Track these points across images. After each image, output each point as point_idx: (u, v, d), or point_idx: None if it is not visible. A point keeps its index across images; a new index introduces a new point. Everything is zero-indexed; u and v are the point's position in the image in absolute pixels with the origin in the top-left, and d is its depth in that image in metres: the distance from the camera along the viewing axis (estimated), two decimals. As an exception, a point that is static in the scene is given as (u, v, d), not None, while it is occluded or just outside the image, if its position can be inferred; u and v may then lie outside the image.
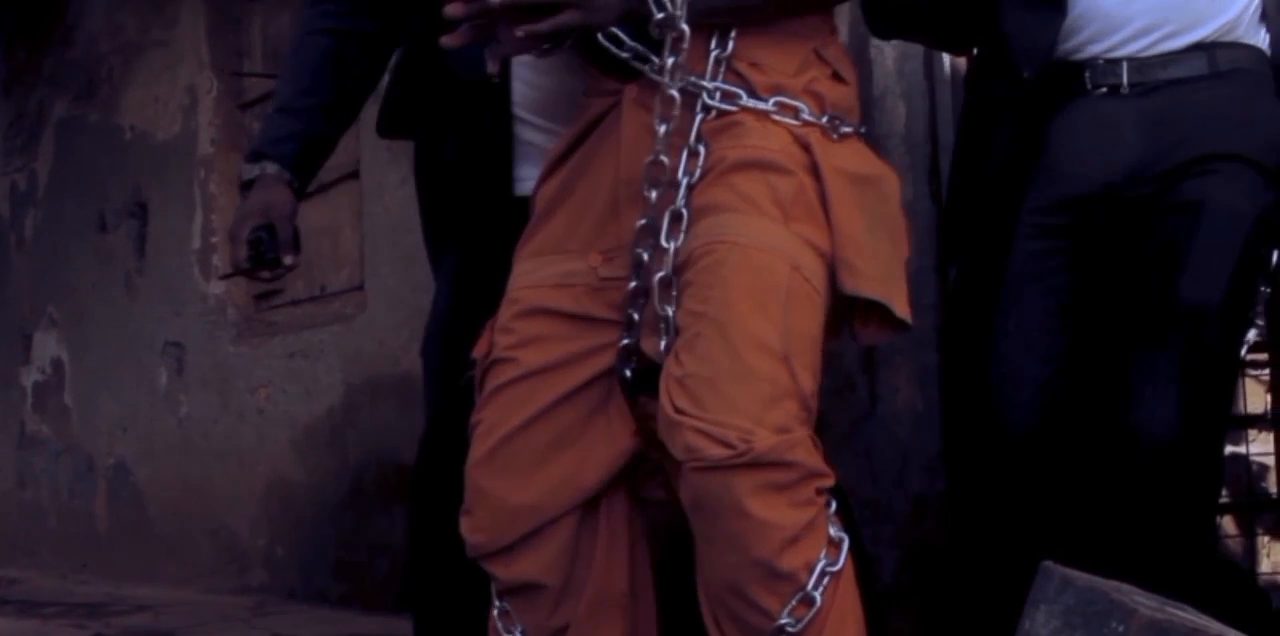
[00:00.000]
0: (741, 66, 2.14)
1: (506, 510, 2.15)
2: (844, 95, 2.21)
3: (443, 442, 2.39)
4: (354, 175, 4.93)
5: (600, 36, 2.11)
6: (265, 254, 2.47)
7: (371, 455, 4.84)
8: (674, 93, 2.08)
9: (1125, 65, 2.44)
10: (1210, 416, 2.44)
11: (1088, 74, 2.45)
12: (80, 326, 6.51)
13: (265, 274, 2.56)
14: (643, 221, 2.11)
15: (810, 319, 2.05)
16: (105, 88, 6.37)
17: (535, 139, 2.46)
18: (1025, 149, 2.51)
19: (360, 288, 5.01)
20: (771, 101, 2.13)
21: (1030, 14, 2.49)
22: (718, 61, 2.13)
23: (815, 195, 2.09)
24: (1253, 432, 4.33)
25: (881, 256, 2.11)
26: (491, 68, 2.10)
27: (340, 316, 5.07)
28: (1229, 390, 2.50)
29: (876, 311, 2.11)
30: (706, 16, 2.08)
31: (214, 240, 5.70)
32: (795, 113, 2.13)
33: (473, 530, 2.18)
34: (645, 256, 2.11)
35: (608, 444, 2.16)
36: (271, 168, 2.55)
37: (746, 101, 2.12)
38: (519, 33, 2.02)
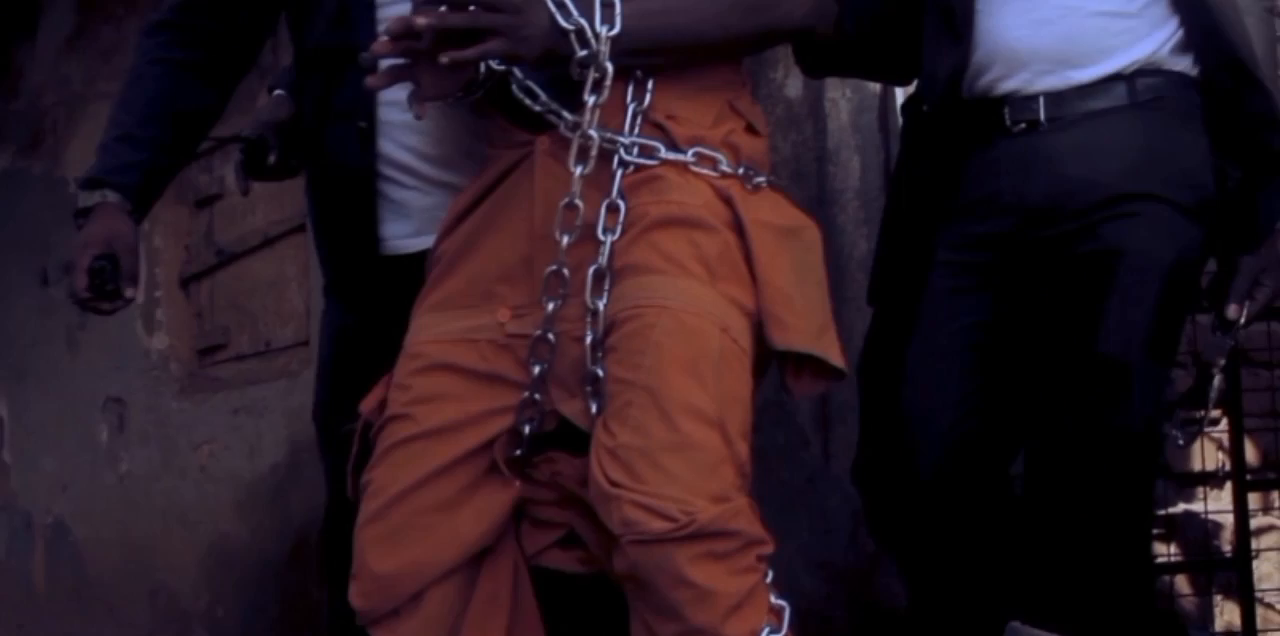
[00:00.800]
0: (659, 118, 2.12)
1: (389, 575, 2.09)
2: (758, 147, 2.20)
3: (343, 510, 2.34)
4: (300, 229, 4.87)
5: (515, 89, 2.09)
6: (106, 285, 2.42)
7: (315, 514, 4.73)
8: (593, 133, 2.06)
9: (1041, 100, 2.41)
10: (1134, 474, 2.40)
11: (1006, 110, 2.43)
12: (20, 382, 6.41)
13: (105, 306, 2.49)
14: (552, 268, 2.07)
15: (740, 381, 2.04)
16: (50, 139, 6.30)
17: (405, 197, 2.41)
18: (943, 186, 2.49)
19: (305, 343, 4.93)
20: (691, 153, 2.10)
21: (936, 49, 2.49)
22: (635, 115, 2.10)
23: (739, 251, 2.07)
24: (1202, 490, 4.31)
25: (810, 308, 2.09)
26: (419, 112, 2.07)
27: (285, 372, 5.00)
28: (1152, 444, 2.44)
29: (808, 363, 2.10)
30: (630, 57, 2.05)
31: (158, 295, 5.64)
32: (714, 164, 2.11)
33: (358, 596, 2.12)
34: (551, 306, 2.07)
35: (493, 503, 2.12)
36: (113, 196, 2.50)
37: (665, 154, 2.10)
38: (444, 60, 1.98)
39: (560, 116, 2.09)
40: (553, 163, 2.11)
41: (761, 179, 2.14)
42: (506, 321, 2.12)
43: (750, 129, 2.19)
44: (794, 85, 3.42)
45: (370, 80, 2.08)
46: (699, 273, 2.04)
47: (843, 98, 3.35)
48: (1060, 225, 2.38)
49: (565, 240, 2.06)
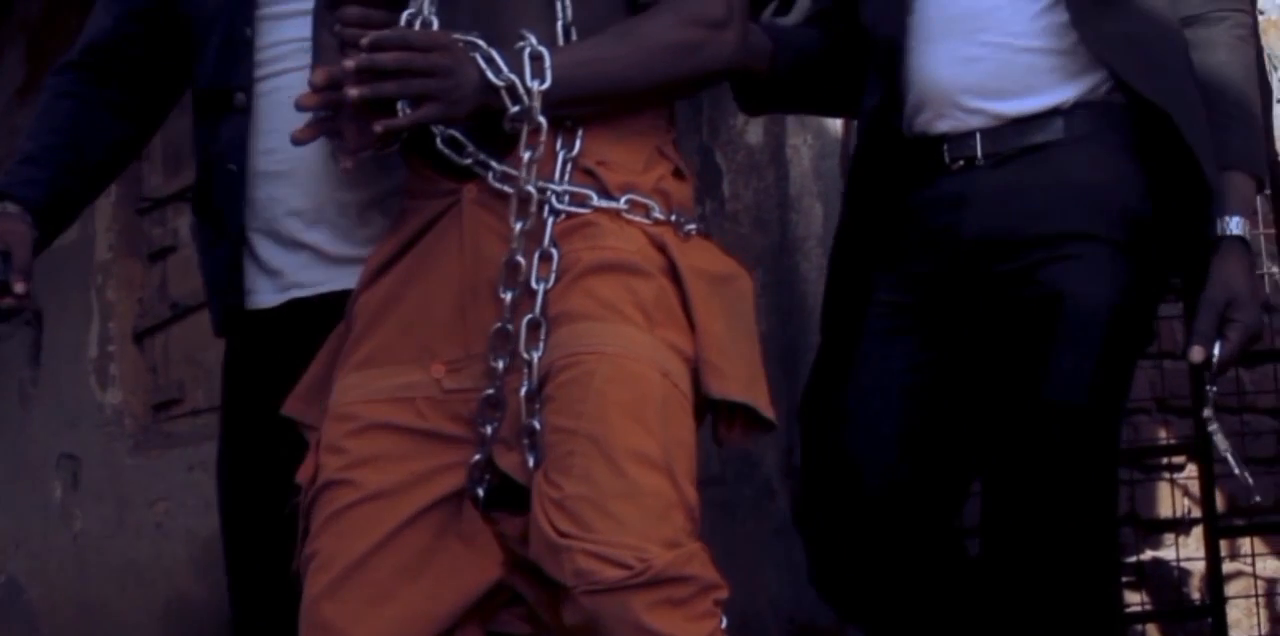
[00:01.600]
0: (590, 165, 2.08)
1: None
2: (686, 193, 2.17)
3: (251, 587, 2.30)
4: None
5: (439, 143, 2.05)
6: None
7: (274, 570, 4.70)
8: (531, 189, 2.02)
9: (978, 136, 2.40)
10: (1092, 522, 2.37)
11: (945, 147, 2.42)
12: (-29, 438, 6.34)
13: None
14: (498, 326, 2.02)
15: (684, 426, 2.00)
16: (1, 194, 6.23)
17: (268, 255, 2.39)
18: (884, 226, 2.48)
19: (262, 397, 4.88)
20: (623, 200, 2.06)
21: (871, 87, 2.49)
22: (565, 163, 2.07)
23: (675, 297, 2.04)
24: (1169, 537, 4.29)
25: (743, 358, 2.06)
26: (346, 164, 2.05)
27: (241, 427, 4.93)
28: (1109, 491, 2.44)
29: (740, 414, 2.05)
30: (561, 107, 2.03)
31: (111, 349, 5.59)
32: (646, 211, 2.07)
33: None
34: (501, 365, 2.01)
35: (462, 571, 2.04)
36: (12, 207, 2.45)
37: (598, 202, 2.06)
38: (377, 128, 1.96)
39: (489, 167, 2.06)
40: (482, 211, 2.07)
41: (692, 226, 2.11)
42: (442, 377, 2.06)
43: (678, 173, 2.16)
44: (754, 132, 3.41)
45: (295, 133, 2.07)
46: (636, 318, 2.00)
47: (804, 144, 3.33)
48: (997, 265, 2.36)
49: (509, 297, 2.01)
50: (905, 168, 2.46)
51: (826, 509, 2.49)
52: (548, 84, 2.00)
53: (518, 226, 2.01)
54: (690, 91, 2.28)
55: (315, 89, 2.00)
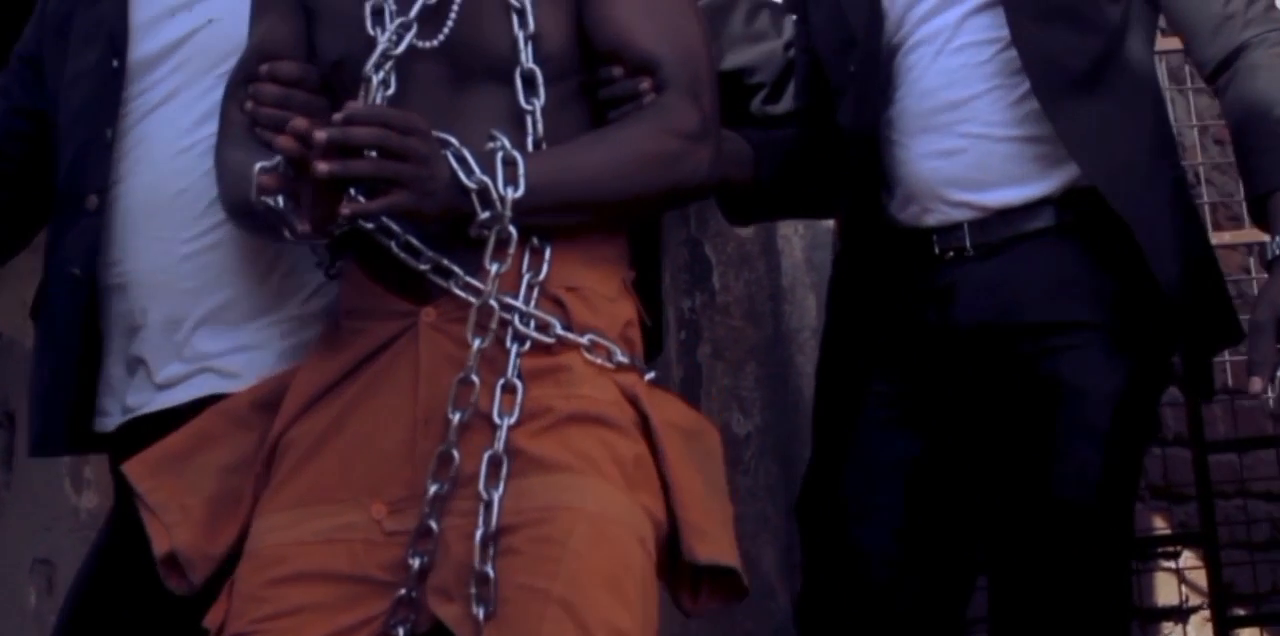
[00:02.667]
0: (559, 292, 1.97)
1: None
2: (641, 341, 2.05)
3: None
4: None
5: (395, 247, 1.94)
6: None
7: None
8: (494, 302, 1.90)
9: (966, 227, 2.36)
10: (1101, 619, 2.31)
11: (934, 238, 2.38)
12: (-58, 545, 6.23)
13: None
14: (441, 449, 1.87)
15: (654, 600, 1.87)
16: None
17: (114, 373, 2.27)
18: (876, 317, 2.44)
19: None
20: (586, 338, 1.94)
21: (851, 185, 2.47)
22: (530, 287, 1.95)
23: (649, 455, 1.91)
24: (1168, 626, 4.25)
25: (722, 519, 1.93)
26: (303, 228, 1.89)
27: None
28: (1120, 586, 2.37)
29: (717, 579, 1.91)
30: (533, 216, 1.91)
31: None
32: (608, 354, 1.95)
33: None
34: (434, 489, 1.87)
35: None
36: None
37: (560, 331, 1.93)
38: (344, 211, 1.83)
39: (450, 274, 1.94)
40: (440, 338, 1.94)
41: (651, 375, 2.00)
42: (383, 518, 1.90)
43: (640, 319, 2.05)
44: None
45: (260, 179, 1.91)
46: (615, 476, 1.87)
47: (795, 234, 3.31)
48: (993, 356, 2.33)
49: (457, 418, 1.88)
50: (893, 259, 2.43)
51: (830, 603, 2.43)
52: (521, 191, 1.89)
53: (476, 343, 1.89)
54: (667, 207, 2.19)
55: (285, 153, 1.86)
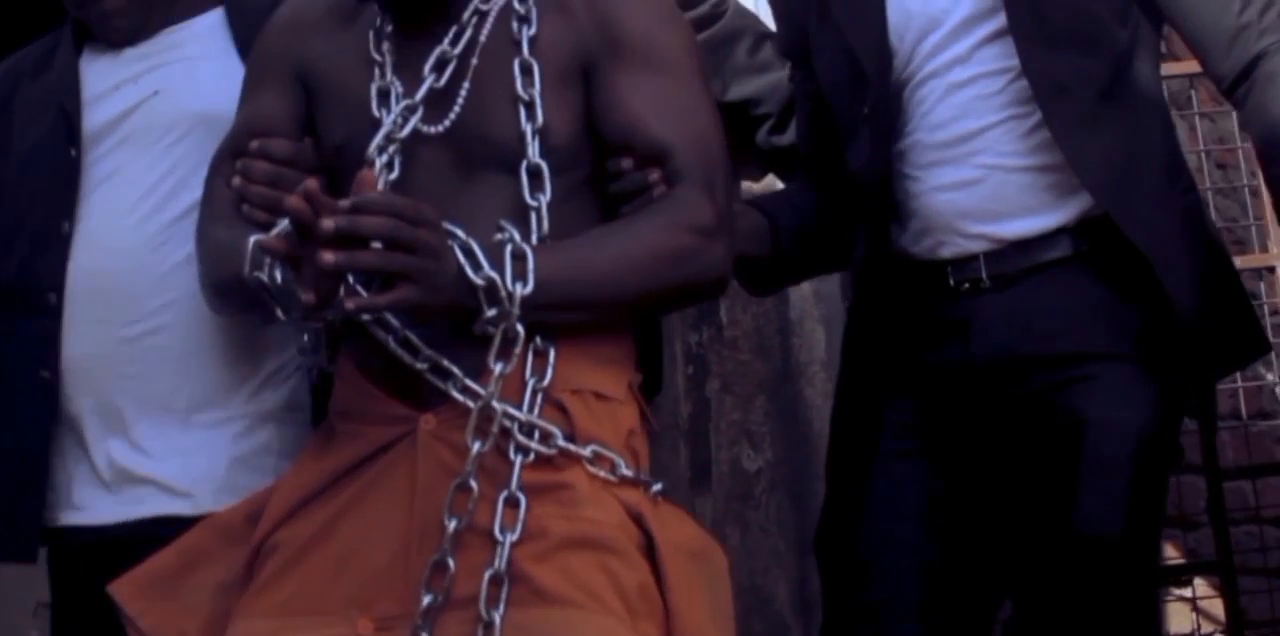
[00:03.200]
0: (563, 397, 1.89)
1: None
2: (647, 452, 1.98)
3: None
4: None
5: (393, 343, 1.87)
6: None
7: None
8: (496, 405, 1.82)
9: (982, 259, 2.32)
10: None
11: (950, 270, 2.34)
12: (-58, 590, 6.16)
13: None
14: (436, 558, 1.79)
15: None
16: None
17: (75, 469, 2.18)
18: (892, 350, 2.40)
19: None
20: (589, 450, 1.86)
21: (864, 224, 2.43)
22: (534, 392, 1.87)
23: (653, 580, 1.84)
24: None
25: None
26: (307, 296, 1.78)
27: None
28: (1149, 619, 2.35)
29: None
30: (540, 312, 1.83)
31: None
32: (612, 467, 1.87)
33: None
34: (428, 600, 1.79)
35: None
36: None
37: (562, 442, 1.85)
38: (348, 305, 1.74)
39: (449, 376, 1.86)
40: (440, 447, 1.85)
41: (658, 487, 1.93)
42: (369, 634, 1.81)
43: (646, 424, 1.99)
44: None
45: (264, 242, 1.82)
46: (618, 608, 1.79)
47: (802, 268, 3.27)
48: (1012, 388, 2.29)
49: (453, 525, 1.79)
50: (908, 292, 2.40)
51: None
52: (530, 288, 1.80)
53: (475, 447, 1.81)
54: (678, 305, 2.12)
55: (287, 236, 1.77)
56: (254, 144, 2.04)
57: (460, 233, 1.79)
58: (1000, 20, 2.32)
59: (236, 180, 2.03)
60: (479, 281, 1.78)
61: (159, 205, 2.21)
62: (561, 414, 1.88)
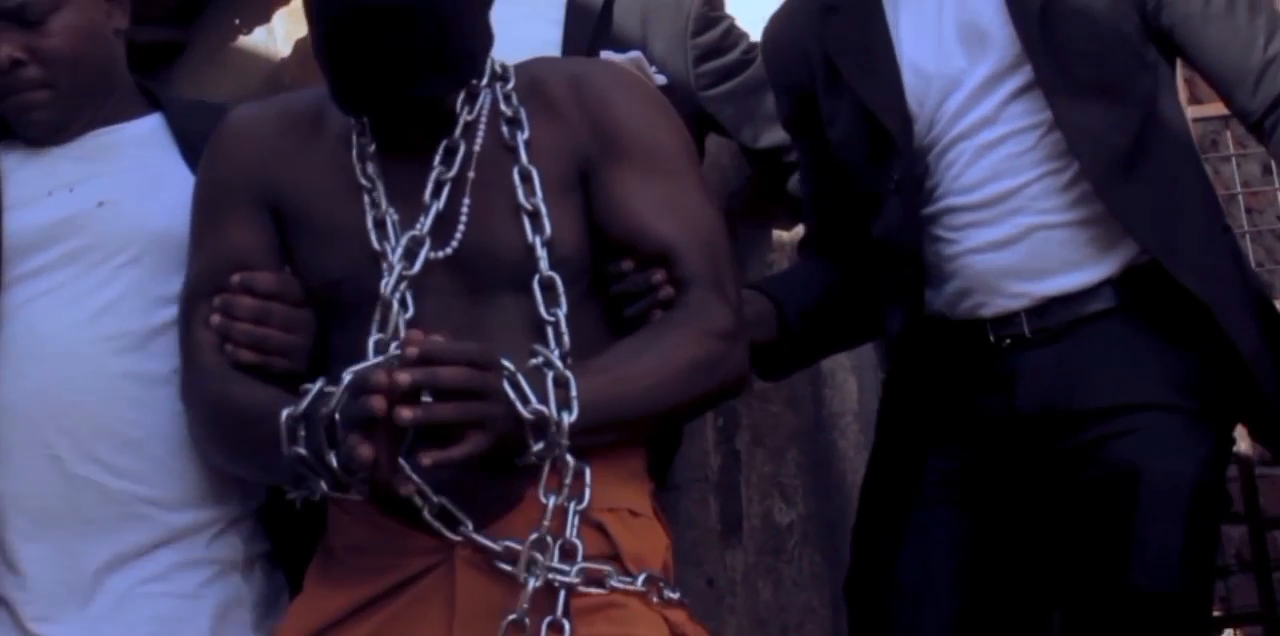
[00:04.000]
0: (601, 517, 1.86)
1: None
2: (674, 563, 1.97)
3: None
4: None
5: (428, 514, 1.80)
6: None
7: None
8: (548, 539, 1.79)
9: (1024, 316, 2.30)
10: None
11: (990, 327, 2.32)
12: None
13: None
14: None
15: None
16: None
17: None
18: (933, 405, 2.37)
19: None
20: (641, 580, 1.85)
21: (900, 285, 2.39)
22: (574, 516, 1.83)
23: None
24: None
25: None
26: (406, 489, 1.72)
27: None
28: None
29: None
30: (581, 436, 1.79)
31: None
32: (659, 590, 1.87)
33: None
34: None
35: None
36: None
37: (615, 582, 1.83)
38: (425, 461, 1.66)
39: (488, 548, 1.81)
40: (477, 574, 1.81)
41: (676, 596, 1.91)
42: None
43: (667, 532, 1.98)
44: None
45: (284, 447, 1.75)
46: None
47: (834, 317, 3.23)
48: (1059, 441, 2.26)
49: None
50: (947, 350, 2.36)
51: None
52: (575, 416, 1.75)
53: (530, 583, 1.77)
54: (703, 411, 2.09)
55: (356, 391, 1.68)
56: (235, 278, 1.95)
57: (508, 364, 1.73)
58: (1023, 76, 2.29)
59: (216, 318, 1.94)
60: (529, 416, 1.73)
61: (115, 331, 2.06)
62: (601, 533, 1.85)
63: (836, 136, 2.45)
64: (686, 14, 2.80)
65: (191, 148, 2.14)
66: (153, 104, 2.25)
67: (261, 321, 1.92)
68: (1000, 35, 2.31)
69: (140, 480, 2.04)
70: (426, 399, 1.64)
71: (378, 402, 1.63)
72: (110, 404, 2.04)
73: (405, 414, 1.63)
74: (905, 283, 2.37)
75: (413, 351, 1.66)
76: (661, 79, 2.72)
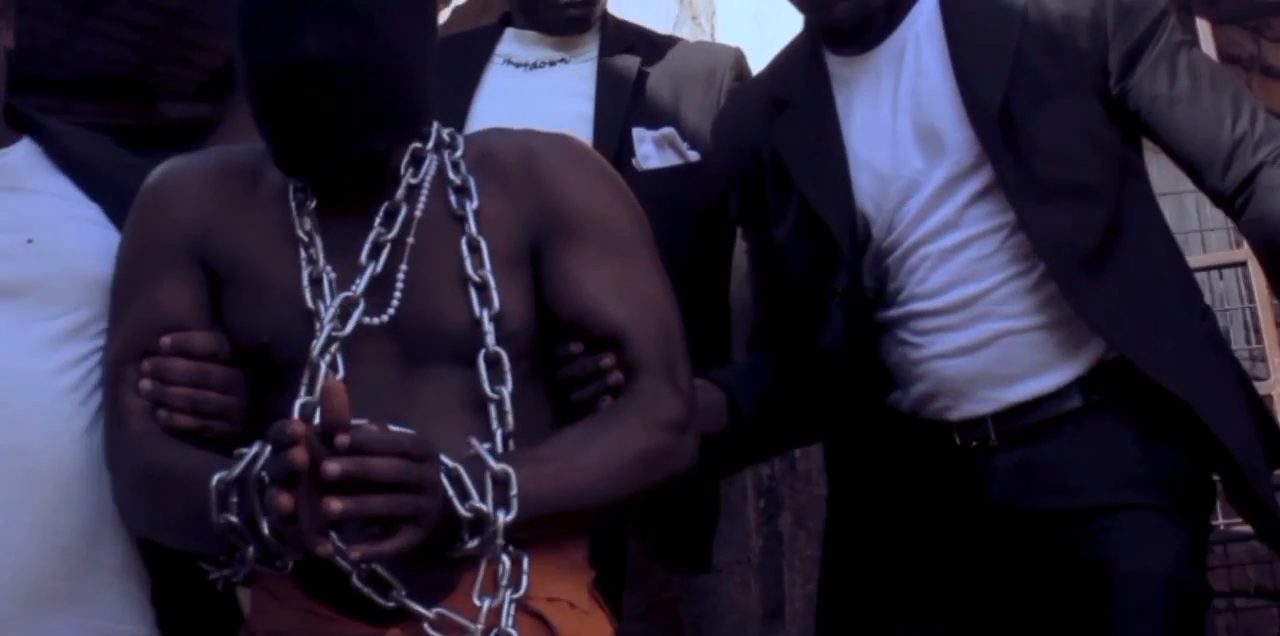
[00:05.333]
0: (539, 606, 1.81)
1: None
2: None
3: None
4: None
5: (356, 579, 1.73)
6: None
7: None
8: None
9: (990, 421, 2.25)
10: None
11: (956, 430, 2.27)
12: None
13: None
14: None
15: None
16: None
17: None
18: (891, 510, 2.33)
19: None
20: None
21: (856, 391, 2.36)
22: (510, 604, 1.77)
23: None
24: None
25: None
26: (323, 549, 1.63)
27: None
28: None
29: None
30: (522, 529, 1.73)
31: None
32: None
33: None
34: None
35: None
36: None
37: None
38: (354, 555, 1.61)
39: (422, 617, 1.74)
40: None
41: None
42: None
43: (607, 617, 1.94)
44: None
45: (213, 514, 1.70)
46: None
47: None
48: (1029, 541, 2.23)
49: None
50: (910, 452, 2.32)
51: None
52: (514, 515, 1.70)
53: None
54: (647, 503, 2.00)
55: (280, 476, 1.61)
56: (167, 340, 1.87)
57: (448, 460, 1.68)
58: (983, 177, 2.24)
59: (146, 383, 1.87)
60: (466, 514, 1.68)
61: (42, 386, 1.93)
62: (540, 623, 1.80)
63: (781, 237, 2.40)
64: (718, 88, 2.80)
65: (76, 174, 2.06)
66: (21, 126, 2.12)
67: (199, 384, 1.86)
68: (957, 137, 2.25)
69: (33, 548, 1.91)
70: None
71: (299, 455, 1.58)
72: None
73: (335, 505, 1.58)
74: (856, 385, 2.34)
75: (344, 440, 1.59)
76: (694, 155, 2.72)
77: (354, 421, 1.61)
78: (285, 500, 1.58)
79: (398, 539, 1.61)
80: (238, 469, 1.68)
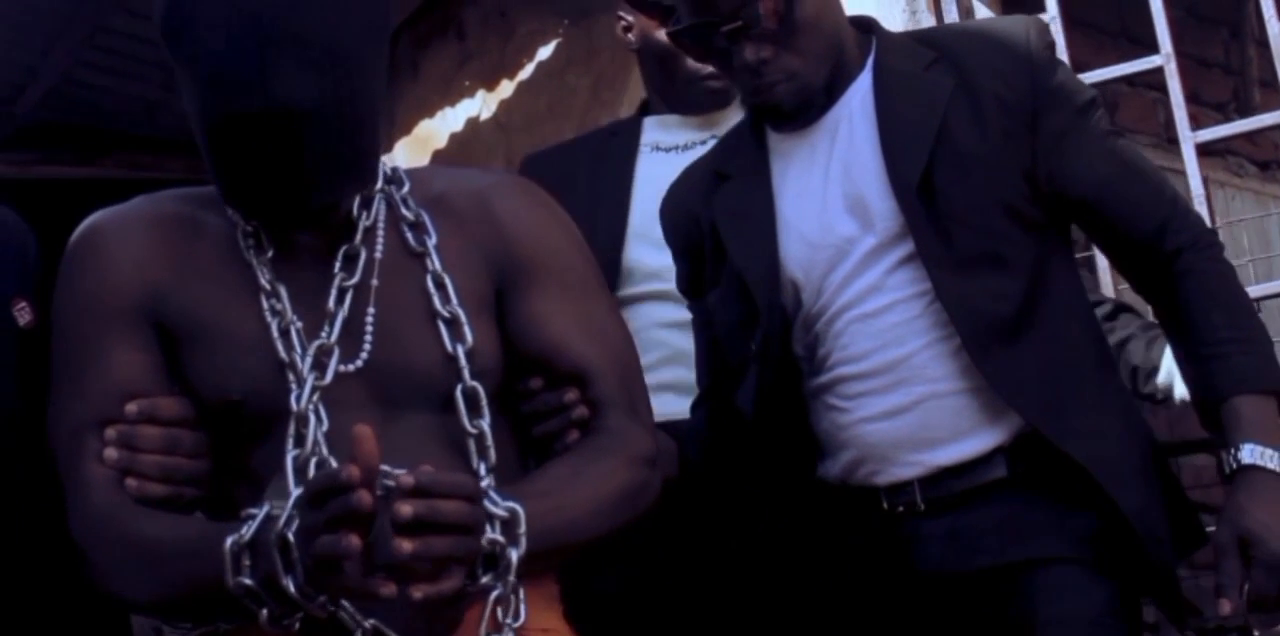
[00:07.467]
0: None
1: None
2: None
3: None
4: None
5: (344, 616, 1.71)
6: None
7: None
8: None
9: (917, 485, 2.28)
10: None
11: (884, 494, 2.31)
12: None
13: None
14: None
15: None
16: None
17: None
18: (816, 579, 2.38)
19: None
20: None
21: (779, 455, 2.40)
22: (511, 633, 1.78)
23: None
24: None
25: None
26: (387, 590, 1.61)
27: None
28: None
29: None
30: (524, 564, 1.73)
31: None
32: None
33: None
34: None
35: None
36: None
37: None
38: (416, 595, 1.59)
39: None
40: None
41: None
42: None
43: None
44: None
45: (228, 579, 1.66)
46: None
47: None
48: (957, 603, 2.29)
49: None
50: (837, 516, 2.36)
51: None
52: (523, 550, 1.70)
53: None
54: (620, 537, 1.96)
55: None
56: (132, 407, 1.81)
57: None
58: (907, 245, 2.27)
59: (113, 452, 1.79)
60: (484, 547, 1.68)
61: None
62: None
63: (712, 300, 2.45)
64: None
65: None
66: None
67: (170, 450, 1.81)
68: (883, 207, 2.27)
69: None
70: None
71: (364, 499, 1.55)
72: None
73: (405, 547, 1.56)
74: (782, 458, 2.37)
75: (408, 481, 1.58)
76: None
77: (383, 467, 1.62)
78: (355, 542, 1.54)
79: (453, 578, 1.62)
80: (251, 530, 1.65)
